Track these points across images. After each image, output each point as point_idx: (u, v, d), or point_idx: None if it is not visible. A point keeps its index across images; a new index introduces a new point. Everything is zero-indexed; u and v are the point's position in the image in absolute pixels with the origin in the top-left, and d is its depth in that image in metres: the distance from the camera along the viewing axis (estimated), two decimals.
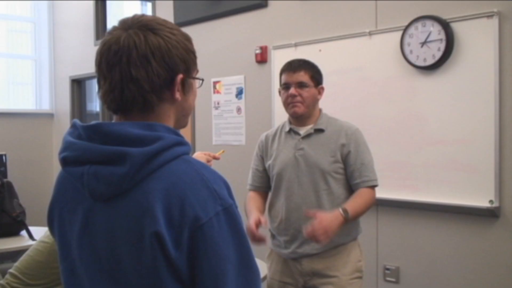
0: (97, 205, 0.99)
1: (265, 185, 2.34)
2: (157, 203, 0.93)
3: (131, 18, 1.03)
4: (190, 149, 1.03)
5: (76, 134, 1.02)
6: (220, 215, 0.95)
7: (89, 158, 0.97)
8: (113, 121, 1.06)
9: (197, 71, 1.09)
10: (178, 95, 1.03)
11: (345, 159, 2.17)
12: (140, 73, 0.98)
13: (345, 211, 2.01)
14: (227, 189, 0.99)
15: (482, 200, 2.79)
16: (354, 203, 2.09)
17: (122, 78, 0.98)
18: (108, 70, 1.00)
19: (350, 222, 2.06)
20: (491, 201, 2.76)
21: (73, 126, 1.05)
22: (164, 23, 1.03)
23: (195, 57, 1.07)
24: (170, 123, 1.05)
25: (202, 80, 1.12)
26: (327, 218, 1.96)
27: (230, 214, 0.96)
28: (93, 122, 1.02)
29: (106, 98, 1.02)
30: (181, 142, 1.00)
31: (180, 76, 1.02)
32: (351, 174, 2.16)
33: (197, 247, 0.93)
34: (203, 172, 0.98)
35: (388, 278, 3.24)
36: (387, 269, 3.24)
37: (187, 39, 1.05)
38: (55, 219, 1.10)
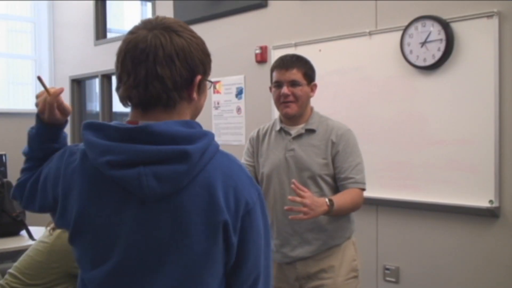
0: (148, 205, 1.02)
1: (255, 180, 2.25)
2: (219, 194, 1.02)
3: (154, 20, 1.08)
4: None
5: (103, 135, 1.03)
6: (257, 199, 1.08)
7: (142, 159, 0.99)
8: (129, 118, 1.08)
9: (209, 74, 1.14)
10: (195, 95, 1.08)
11: (333, 159, 2.10)
12: (165, 71, 1.02)
13: (331, 201, 1.93)
14: None
15: (482, 200, 2.79)
16: (341, 198, 2.01)
17: (148, 75, 1.03)
18: (133, 66, 1.04)
19: (331, 215, 1.98)
20: (491, 201, 2.76)
21: (93, 127, 1.04)
22: (185, 26, 1.09)
23: (211, 60, 1.12)
24: None
25: (212, 82, 1.18)
26: (315, 199, 1.90)
27: (262, 197, 1.10)
28: (121, 123, 1.03)
29: (129, 93, 1.05)
30: (214, 137, 1.07)
31: (198, 77, 1.07)
32: (339, 174, 2.09)
33: (245, 230, 1.05)
34: (239, 162, 1.10)
35: (388, 278, 3.24)
36: (387, 269, 3.24)
37: (203, 42, 1.11)
38: (88, 227, 1.08)
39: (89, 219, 1.07)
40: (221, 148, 1.09)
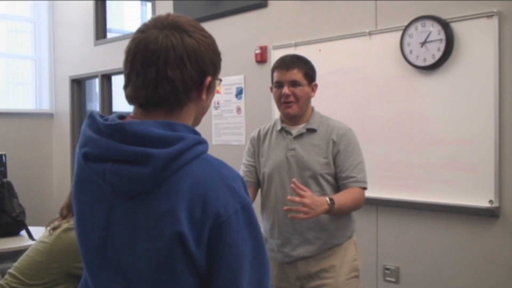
0: (119, 201, 1.02)
1: (256, 180, 2.26)
2: (180, 203, 0.96)
3: (165, 18, 1.06)
4: (208, 147, 1.05)
5: (95, 127, 1.04)
6: (239, 213, 0.99)
7: (111, 156, 1.00)
8: (131, 115, 1.08)
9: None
10: (204, 96, 1.07)
11: (334, 158, 2.11)
12: (176, 74, 1.01)
13: (331, 200, 1.94)
14: (243, 187, 1.03)
15: (482, 200, 2.79)
16: (342, 197, 2.02)
17: (158, 77, 1.01)
18: (143, 67, 1.02)
19: (332, 214, 1.98)
20: (491, 201, 2.76)
21: (92, 117, 1.06)
22: (196, 25, 1.07)
23: (220, 59, 1.11)
24: (190, 121, 1.09)
25: (221, 80, 1.16)
26: (315, 198, 1.90)
27: (247, 212, 1.00)
28: (113, 118, 1.04)
29: (138, 93, 1.03)
30: (200, 141, 1.02)
31: (209, 79, 1.06)
32: (340, 173, 2.10)
33: (216, 244, 0.97)
34: (222, 171, 1.01)
35: (388, 278, 3.24)
36: (387, 269, 3.24)
37: (214, 41, 1.11)
38: (76, 210, 1.13)
39: (76, 203, 1.12)
40: (209, 153, 1.04)
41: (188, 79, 1.02)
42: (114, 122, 1.02)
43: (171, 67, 1.00)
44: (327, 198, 1.94)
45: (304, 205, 1.85)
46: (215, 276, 0.98)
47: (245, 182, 1.04)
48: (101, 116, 1.05)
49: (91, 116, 1.06)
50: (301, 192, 1.88)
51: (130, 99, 1.06)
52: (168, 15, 1.07)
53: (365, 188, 2.12)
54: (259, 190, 2.29)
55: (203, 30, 1.08)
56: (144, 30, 1.05)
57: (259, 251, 1.02)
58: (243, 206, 0.99)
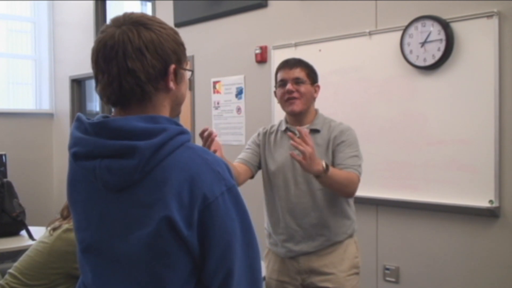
0: (110, 195, 1.06)
1: (253, 163, 2.28)
2: (168, 190, 1.00)
3: (122, 16, 1.10)
4: (191, 137, 1.09)
5: (83, 128, 1.08)
6: (225, 194, 1.04)
7: (99, 153, 1.04)
8: (112, 114, 1.12)
9: (187, 62, 1.16)
10: (172, 85, 1.10)
11: (333, 153, 2.15)
12: (136, 65, 1.05)
13: (327, 165, 1.96)
14: (228, 170, 1.07)
15: (482, 200, 2.79)
16: (336, 170, 2.04)
17: (120, 71, 1.05)
18: (105, 64, 1.07)
19: (323, 181, 1.98)
20: (491, 201, 2.76)
21: (79, 120, 1.10)
22: (153, 18, 1.10)
23: (184, 48, 1.14)
24: (166, 112, 1.12)
25: (192, 71, 1.20)
26: (315, 156, 1.92)
27: (233, 193, 1.06)
28: (99, 118, 1.08)
29: (106, 91, 1.08)
30: (183, 131, 1.07)
31: (172, 67, 1.09)
32: (336, 164, 2.12)
33: (206, 224, 1.02)
34: (206, 156, 1.06)
35: (388, 278, 3.24)
36: (387, 269, 3.24)
37: (176, 32, 1.13)
38: (73, 209, 1.18)
39: (71, 203, 1.17)
40: (190, 142, 1.08)
41: (150, 69, 1.05)
42: (99, 120, 1.06)
43: (131, 59, 1.04)
44: (323, 162, 1.96)
45: (304, 153, 1.87)
46: (208, 257, 1.03)
47: (229, 166, 1.08)
48: (87, 118, 1.10)
49: (78, 119, 1.11)
50: (306, 139, 1.89)
51: (101, 97, 1.11)
52: (124, 14, 1.11)
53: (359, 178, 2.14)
54: (263, 189, 2.32)
55: (161, 22, 1.11)
56: (103, 30, 1.10)
57: (247, 230, 1.07)
58: (228, 188, 1.04)
